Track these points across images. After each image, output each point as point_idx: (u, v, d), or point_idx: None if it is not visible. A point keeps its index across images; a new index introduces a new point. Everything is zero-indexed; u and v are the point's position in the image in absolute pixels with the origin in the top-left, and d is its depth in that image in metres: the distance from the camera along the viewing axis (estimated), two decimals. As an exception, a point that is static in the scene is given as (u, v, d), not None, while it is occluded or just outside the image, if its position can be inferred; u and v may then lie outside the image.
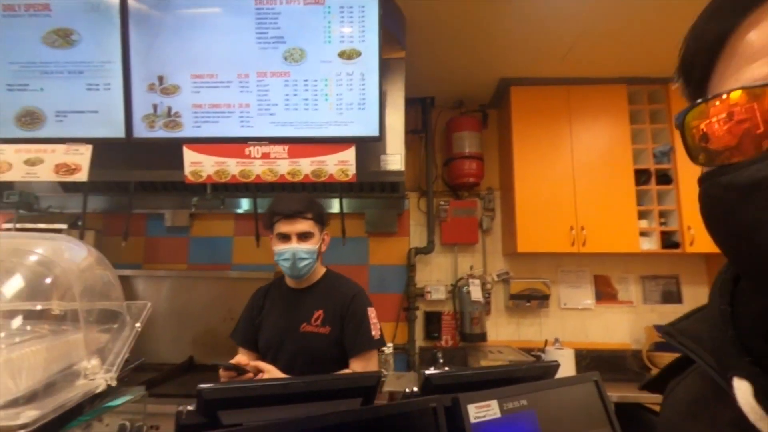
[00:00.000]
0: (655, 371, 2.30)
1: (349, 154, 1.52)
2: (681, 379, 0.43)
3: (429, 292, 2.55)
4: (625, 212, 2.31)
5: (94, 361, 0.70)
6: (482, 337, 2.43)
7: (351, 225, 2.67)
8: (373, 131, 1.53)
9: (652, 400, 1.91)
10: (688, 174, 2.32)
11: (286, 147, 1.51)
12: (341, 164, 1.52)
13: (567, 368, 2.05)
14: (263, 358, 1.44)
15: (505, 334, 2.59)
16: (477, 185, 2.64)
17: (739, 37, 0.32)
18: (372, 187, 2.24)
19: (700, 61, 0.35)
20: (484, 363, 2.11)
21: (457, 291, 2.55)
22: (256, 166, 1.50)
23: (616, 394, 1.94)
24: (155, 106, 1.53)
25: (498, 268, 2.63)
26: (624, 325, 2.56)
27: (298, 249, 1.34)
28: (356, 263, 2.60)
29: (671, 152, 2.36)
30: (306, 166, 1.50)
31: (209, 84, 1.52)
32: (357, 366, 1.36)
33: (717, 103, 0.31)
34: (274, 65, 1.51)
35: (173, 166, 1.74)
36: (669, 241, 2.35)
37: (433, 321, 2.57)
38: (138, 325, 0.84)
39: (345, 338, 1.38)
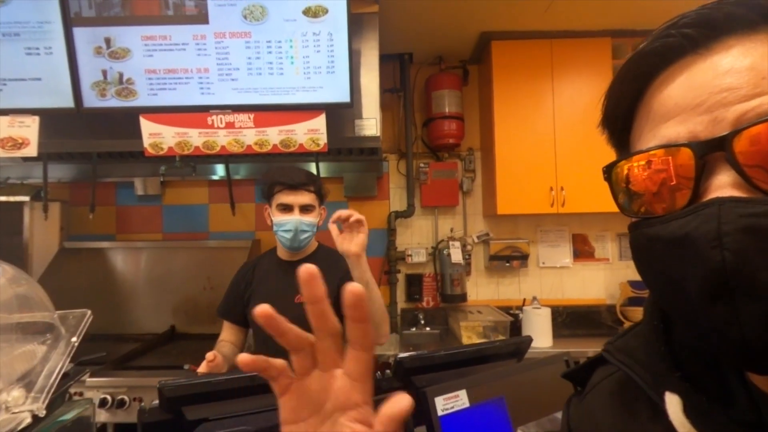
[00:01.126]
0: (627, 324, 2.40)
1: (320, 122, 1.43)
2: (607, 374, 0.45)
3: (410, 256, 2.55)
4: (605, 172, 2.29)
5: (16, 392, 0.62)
6: (463, 297, 2.47)
7: (330, 189, 2.61)
8: (344, 97, 1.43)
9: (623, 354, 1.99)
10: (668, 131, 2.29)
11: (252, 115, 1.41)
12: (311, 133, 1.43)
13: (543, 326, 2.10)
14: (255, 334, 1.44)
15: (485, 293, 2.63)
16: (457, 146, 2.58)
17: (652, 96, 0.34)
18: (350, 151, 2.16)
19: (621, 115, 0.38)
20: (463, 324, 2.15)
21: (437, 254, 2.56)
22: (221, 137, 1.41)
23: (591, 349, 2.01)
24: (104, 72, 1.40)
25: (478, 229, 2.64)
26: (600, 281, 2.62)
27: (300, 221, 1.32)
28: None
29: (653, 109, 2.32)
30: (274, 136, 1.41)
31: (162, 46, 1.39)
32: None
33: (637, 160, 0.34)
34: (232, 25, 1.37)
35: (136, 135, 1.63)
36: (646, 199, 2.36)
37: (414, 283, 2.60)
38: (75, 339, 0.77)
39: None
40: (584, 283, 2.62)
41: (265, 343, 1.34)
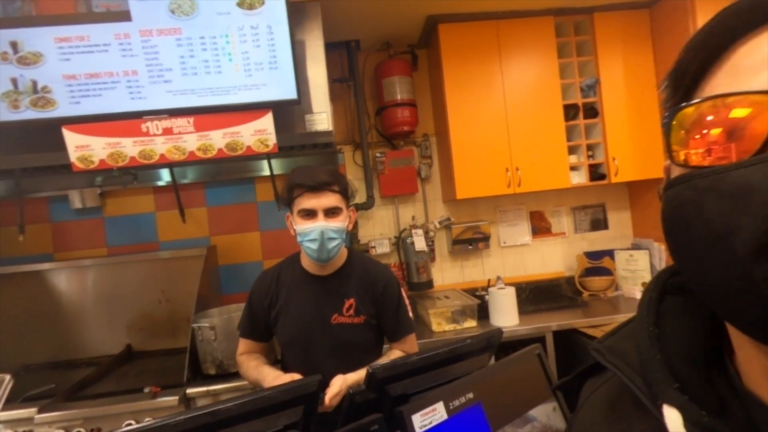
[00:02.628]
0: (586, 295, 2.52)
1: (267, 122, 1.35)
2: (599, 384, 0.44)
3: (374, 247, 2.52)
4: (556, 149, 2.35)
5: None
6: (429, 284, 2.48)
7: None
8: (291, 93, 1.35)
9: (585, 324, 2.08)
10: (612, 105, 2.37)
11: (191, 119, 1.30)
12: (259, 134, 1.35)
13: (509, 305, 2.15)
14: (286, 352, 1.31)
15: (450, 277, 2.66)
16: (412, 133, 2.55)
17: (737, 51, 0.31)
18: (302, 146, 2.07)
19: (694, 68, 0.34)
20: (432, 311, 2.16)
21: (401, 243, 2.55)
22: (159, 145, 1.29)
23: (554, 323, 2.08)
24: (14, 81, 1.24)
25: (439, 215, 2.64)
26: (558, 255, 2.71)
27: (326, 227, 1.17)
28: (295, 226, 2.48)
29: (597, 85, 2.38)
30: (218, 140, 1.31)
31: (81, 48, 1.24)
32: (399, 348, 1.34)
33: (714, 105, 0.30)
34: (159, 21, 1.25)
35: (63, 147, 1.47)
36: (596, 173, 2.45)
37: (380, 275, 2.57)
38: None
39: (384, 325, 1.31)
40: (544, 259, 2.71)
41: (296, 365, 1.25)
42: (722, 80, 0.31)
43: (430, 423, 0.58)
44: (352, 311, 1.28)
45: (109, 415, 1.68)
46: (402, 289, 1.38)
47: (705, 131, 0.31)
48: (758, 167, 0.26)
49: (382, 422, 0.59)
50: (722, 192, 0.28)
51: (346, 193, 1.25)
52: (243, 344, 1.37)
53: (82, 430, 1.67)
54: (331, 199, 1.19)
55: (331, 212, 1.20)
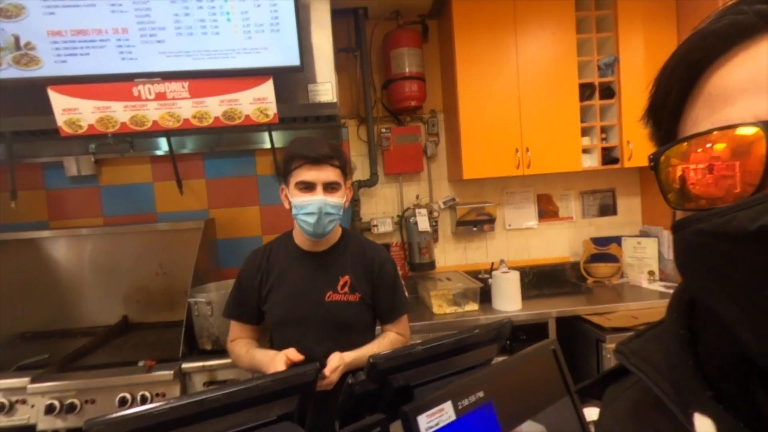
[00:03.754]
0: (591, 281, 2.47)
1: (267, 90, 1.26)
2: (622, 390, 0.42)
3: (376, 226, 2.46)
4: (569, 130, 2.25)
5: None
6: (431, 265, 2.43)
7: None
8: (293, 59, 1.26)
9: (589, 311, 2.03)
10: (630, 86, 2.26)
11: (186, 83, 1.21)
12: (258, 102, 1.26)
13: (512, 290, 2.10)
14: (277, 334, 1.25)
15: (453, 259, 2.61)
16: (419, 108, 2.45)
17: (710, 80, 0.30)
18: (305, 118, 1.98)
19: (671, 104, 0.34)
20: (433, 293, 2.11)
21: (404, 222, 2.48)
22: (151, 110, 1.21)
23: (555, 309, 2.04)
24: (-5, 36, 1.15)
25: (444, 195, 2.57)
26: (564, 240, 2.65)
27: (325, 201, 1.12)
28: (296, 202, 2.41)
29: (615, 64, 2.27)
30: (215, 107, 1.23)
31: (66, 2, 1.14)
32: (393, 330, 1.30)
33: (698, 145, 0.30)
34: (152, -27, 1.15)
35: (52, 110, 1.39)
36: (608, 156, 2.36)
37: (381, 254, 2.52)
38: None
39: (379, 304, 1.26)
40: (549, 243, 2.65)
41: (286, 343, 1.19)
42: (701, 113, 0.31)
43: (437, 424, 0.53)
44: (347, 288, 1.23)
45: (104, 387, 1.66)
46: (397, 269, 1.34)
47: (694, 172, 0.30)
48: (762, 207, 0.25)
49: (386, 424, 0.54)
50: (734, 238, 0.26)
51: (345, 169, 1.20)
52: (233, 329, 1.31)
53: (75, 401, 1.65)
54: (331, 173, 1.14)
55: (330, 187, 1.15)
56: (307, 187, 1.13)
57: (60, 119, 1.22)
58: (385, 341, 1.26)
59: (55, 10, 1.13)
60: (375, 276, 1.26)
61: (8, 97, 1.54)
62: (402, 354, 0.76)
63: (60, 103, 1.20)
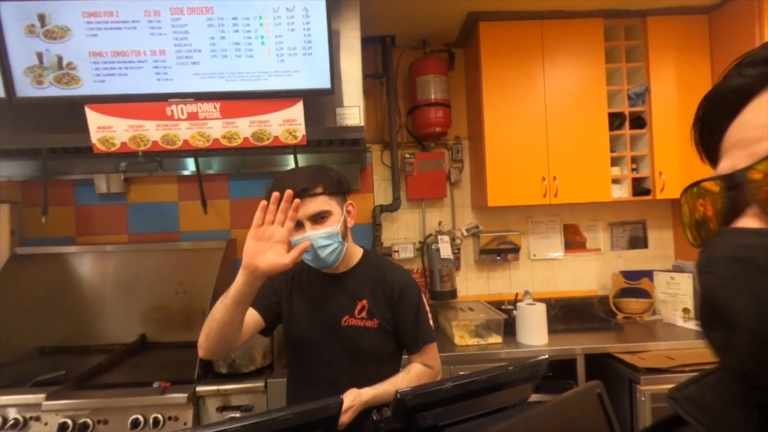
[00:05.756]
0: (620, 317, 2.35)
1: (297, 111, 1.26)
2: None
3: (397, 251, 2.42)
4: (598, 160, 2.20)
5: None
6: (453, 294, 2.37)
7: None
8: (324, 82, 1.27)
9: (620, 349, 1.92)
10: (662, 116, 2.21)
11: (218, 104, 1.23)
12: (287, 124, 1.27)
13: (539, 323, 2.01)
14: (293, 350, 1.21)
15: (475, 288, 2.53)
16: (444, 135, 2.44)
17: (745, 112, 0.32)
18: (330, 142, 2.00)
19: (715, 119, 0.35)
20: (455, 323, 2.04)
21: (425, 248, 2.44)
22: (183, 130, 1.22)
23: (584, 345, 1.94)
24: (40, 55, 1.19)
25: (467, 222, 2.52)
26: (592, 272, 2.55)
27: (314, 236, 1.08)
28: (317, 225, 2.40)
29: (646, 93, 2.23)
30: (244, 128, 1.24)
31: (109, 24, 1.18)
32: (419, 361, 1.22)
33: (690, 192, 0.36)
34: (191, -1, 1.19)
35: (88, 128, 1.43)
36: (639, 188, 2.28)
37: (401, 280, 2.47)
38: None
39: (401, 332, 1.20)
40: (576, 275, 2.55)
41: (303, 373, 1.17)
42: (738, 143, 0.32)
43: (474, 474, 0.48)
44: (364, 313, 1.17)
45: (117, 408, 1.63)
46: (422, 295, 1.26)
47: (694, 213, 0.36)
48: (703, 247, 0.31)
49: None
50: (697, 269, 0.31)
51: (334, 190, 1.13)
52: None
53: (88, 420, 1.62)
54: (313, 205, 1.09)
55: (316, 218, 1.10)
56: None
57: (94, 137, 1.25)
58: (410, 375, 1.17)
59: (98, 32, 1.17)
60: (395, 301, 1.19)
61: (44, 116, 1.60)
62: (431, 390, 0.71)
63: (96, 121, 1.23)
